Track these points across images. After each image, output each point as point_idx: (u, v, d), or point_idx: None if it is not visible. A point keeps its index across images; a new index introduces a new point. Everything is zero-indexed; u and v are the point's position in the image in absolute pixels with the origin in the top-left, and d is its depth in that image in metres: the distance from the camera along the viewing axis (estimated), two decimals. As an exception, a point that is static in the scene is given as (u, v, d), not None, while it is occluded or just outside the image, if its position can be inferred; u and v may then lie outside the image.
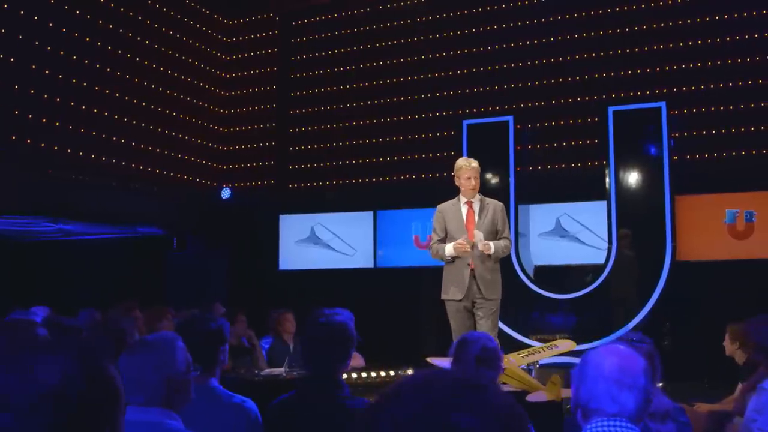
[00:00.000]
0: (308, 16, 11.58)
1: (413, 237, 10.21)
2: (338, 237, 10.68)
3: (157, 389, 2.23)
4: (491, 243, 5.93)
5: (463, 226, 6.13)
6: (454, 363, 2.81)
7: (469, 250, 5.93)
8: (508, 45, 10.12)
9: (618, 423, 1.98)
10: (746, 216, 8.51)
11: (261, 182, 11.58)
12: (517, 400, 2.86)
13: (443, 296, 6.13)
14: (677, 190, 8.35)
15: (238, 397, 2.92)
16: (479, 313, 6.00)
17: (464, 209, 6.17)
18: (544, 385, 4.35)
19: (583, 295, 8.75)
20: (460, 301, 6.02)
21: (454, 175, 6.29)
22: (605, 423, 1.99)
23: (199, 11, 11.49)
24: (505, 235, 6.11)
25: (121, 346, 3.24)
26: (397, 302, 9.84)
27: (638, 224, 8.52)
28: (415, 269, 10.06)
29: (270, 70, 11.73)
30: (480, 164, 6.32)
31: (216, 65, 11.79)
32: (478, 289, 5.97)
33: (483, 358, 2.73)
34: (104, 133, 9.62)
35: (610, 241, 8.63)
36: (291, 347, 7.87)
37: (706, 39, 9.10)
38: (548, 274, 9.23)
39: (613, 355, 2.08)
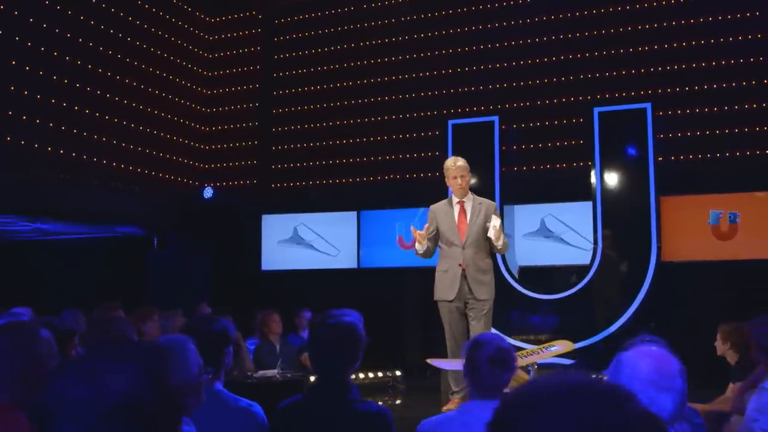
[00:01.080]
0: (291, 15, 11.49)
1: (397, 237, 10.16)
2: (321, 237, 10.61)
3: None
4: (502, 237, 5.94)
5: (455, 226, 6.10)
6: (466, 365, 2.76)
7: (420, 234, 5.92)
8: (493, 45, 10.12)
9: (655, 426, 1.95)
10: (730, 217, 8.57)
11: (243, 182, 11.47)
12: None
13: (435, 297, 6.10)
14: (662, 190, 8.39)
15: (244, 401, 2.84)
16: (471, 314, 5.97)
17: (456, 209, 6.15)
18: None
19: (568, 295, 8.75)
20: (451, 301, 6.00)
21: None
22: None
23: (181, 8, 11.36)
24: None
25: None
26: (381, 303, 9.78)
27: (623, 225, 8.55)
28: (398, 270, 10.03)
29: (253, 68, 11.62)
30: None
31: (198, 63, 11.66)
32: (470, 289, 5.94)
33: (497, 359, 2.69)
34: (85, 131, 9.47)
35: (595, 242, 8.65)
36: (277, 348, 7.80)
37: (691, 41, 9.15)
38: (533, 275, 9.23)
39: (649, 357, 2.05)
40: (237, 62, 11.71)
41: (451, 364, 5.44)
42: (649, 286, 8.32)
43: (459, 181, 6.11)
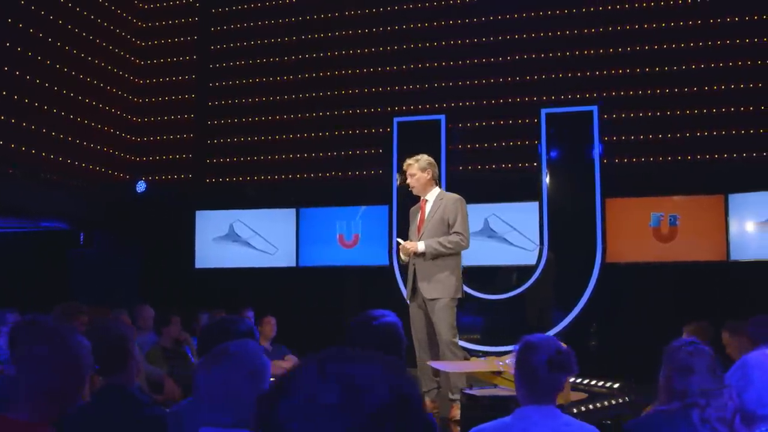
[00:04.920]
0: (230, 4, 11.11)
1: (337, 236, 9.98)
2: (259, 234, 10.29)
3: (251, 407, 1.90)
4: (420, 242, 5.78)
5: (416, 225, 6.02)
6: (520, 370, 2.62)
7: (408, 250, 5.80)
8: (440, 43, 10.06)
9: (790, 429, 1.90)
10: (670, 219, 8.77)
11: (177, 176, 11.00)
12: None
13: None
14: (605, 192, 8.51)
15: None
16: (430, 314, 5.82)
17: (421, 208, 6.06)
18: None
19: (513, 295, 8.78)
20: (411, 301, 5.90)
21: None
22: None
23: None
24: (454, 229, 5.83)
25: (123, 356, 2.87)
26: (320, 302, 9.60)
27: (569, 226, 8.63)
28: (338, 269, 9.84)
29: (188, 58, 11.17)
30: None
31: (131, 51, 11.11)
32: (419, 288, 5.82)
33: (558, 362, 2.55)
34: (12, 118, 8.86)
35: (541, 243, 8.70)
36: (225, 350, 7.48)
37: (636, 46, 9.33)
38: (476, 275, 9.21)
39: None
40: (172, 51, 11.22)
41: (451, 366, 5.26)
42: (594, 286, 8.43)
43: (409, 180, 6.03)
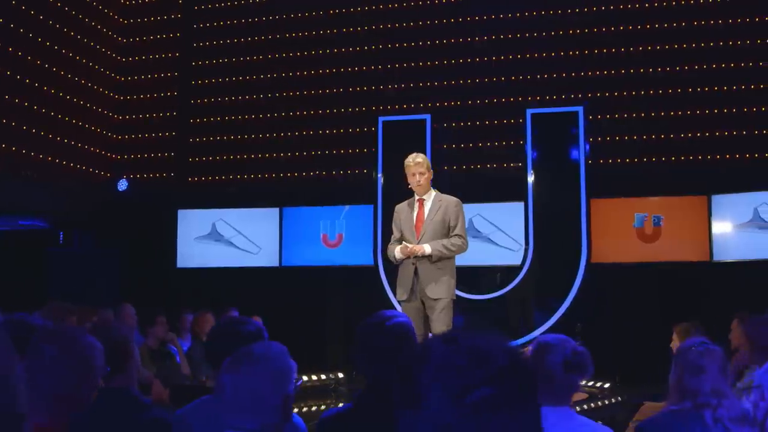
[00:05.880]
0: (213, 1, 11.00)
1: (321, 235, 9.92)
2: (241, 234, 10.21)
3: (276, 411, 1.86)
4: (426, 245, 5.78)
5: (412, 225, 5.99)
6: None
7: (413, 252, 5.79)
8: (425, 43, 10.04)
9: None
10: (654, 220, 8.83)
11: (159, 174, 10.87)
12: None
13: (396, 297, 5.99)
14: (590, 193, 8.54)
15: (284, 413, 2.57)
16: (429, 314, 5.83)
17: (416, 207, 6.03)
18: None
19: (498, 296, 8.79)
20: (408, 302, 5.87)
21: None
22: None
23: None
24: (455, 232, 5.88)
25: (124, 357, 2.81)
26: (303, 302, 9.54)
27: (554, 226, 8.65)
28: (322, 269, 9.79)
29: (171, 55, 11.04)
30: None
31: (113, 48, 10.96)
32: (423, 288, 5.81)
33: (573, 363, 2.53)
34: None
35: (526, 243, 8.72)
36: (210, 350, 7.39)
37: (620, 48, 9.38)
38: (461, 275, 9.15)
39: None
40: (154, 48, 11.09)
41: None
42: (578, 287, 8.46)
43: (417, 178, 5.98)
